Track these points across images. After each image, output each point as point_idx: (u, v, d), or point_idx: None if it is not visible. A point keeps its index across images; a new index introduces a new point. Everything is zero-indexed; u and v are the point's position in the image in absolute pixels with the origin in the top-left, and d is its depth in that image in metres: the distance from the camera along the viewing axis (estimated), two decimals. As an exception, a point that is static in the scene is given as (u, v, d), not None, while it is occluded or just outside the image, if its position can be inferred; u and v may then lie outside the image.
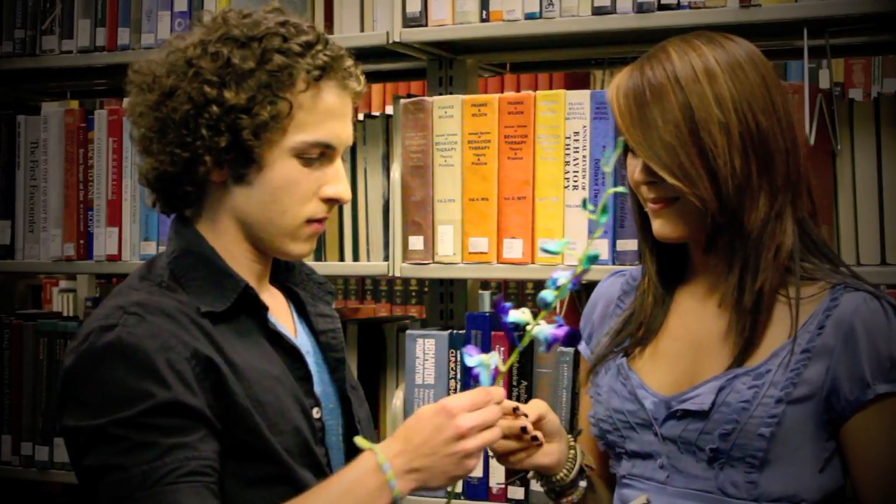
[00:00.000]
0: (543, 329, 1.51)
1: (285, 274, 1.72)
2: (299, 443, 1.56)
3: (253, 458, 1.51)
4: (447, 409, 1.46)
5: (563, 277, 1.50)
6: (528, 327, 1.51)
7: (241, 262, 1.60)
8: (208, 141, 1.53)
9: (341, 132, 1.59)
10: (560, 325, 1.51)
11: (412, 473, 1.45)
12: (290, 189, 1.56)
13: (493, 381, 1.51)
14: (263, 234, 1.59)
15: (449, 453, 1.45)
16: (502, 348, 2.35)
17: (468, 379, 2.36)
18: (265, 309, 1.61)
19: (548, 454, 1.67)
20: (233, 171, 1.56)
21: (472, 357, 1.52)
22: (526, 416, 1.63)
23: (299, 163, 1.56)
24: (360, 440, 1.51)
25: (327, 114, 1.57)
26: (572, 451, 1.72)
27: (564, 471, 1.70)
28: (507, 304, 1.52)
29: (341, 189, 1.60)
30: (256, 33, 1.55)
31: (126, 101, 1.62)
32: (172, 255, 1.59)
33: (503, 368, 1.52)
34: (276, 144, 1.55)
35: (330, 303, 1.76)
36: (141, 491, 1.42)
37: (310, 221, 1.59)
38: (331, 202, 1.60)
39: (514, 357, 1.57)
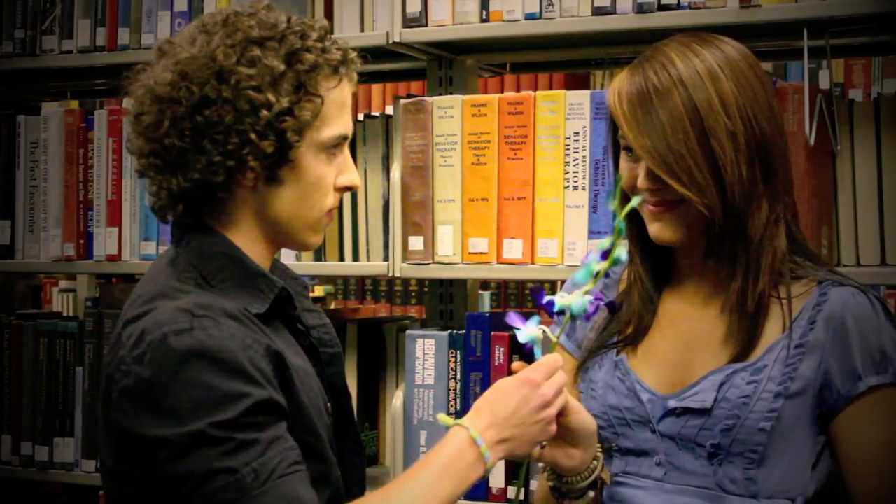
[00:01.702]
0: (581, 302, 1.56)
1: None
2: (329, 438, 1.60)
3: (308, 456, 1.52)
4: (532, 380, 1.53)
5: (595, 262, 1.56)
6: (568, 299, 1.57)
7: (258, 260, 1.60)
8: (257, 146, 1.52)
9: (350, 122, 1.63)
10: (593, 302, 1.57)
11: (501, 444, 1.52)
12: (319, 184, 1.59)
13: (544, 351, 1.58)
14: (288, 229, 1.60)
15: (536, 421, 1.53)
16: (502, 348, 2.35)
17: (468, 379, 2.37)
18: (295, 308, 1.63)
19: (570, 457, 1.62)
20: (267, 173, 1.55)
21: (523, 332, 1.58)
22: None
23: (326, 157, 1.59)
24: (444, 417, 1.57)
25: (344, 106, 1.60)
26: (595, 462, 1.66)
27: (578, 477, 1.65)
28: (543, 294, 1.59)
29: (354, 177, 1.63)
30: (276, 34, 1.56)
31: (133, 115, 1.59)
32: (198, 256, 1.57)
33: (555, 339, 1.59)
34: (310, 141, 1.56)
35: (308, 297, 1.77)
36: (255, 489, 1.41)
37: (328, 212, 1.62)
38: (344, 191, 1.63)
39: (566, 322, 1.59)
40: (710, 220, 1.62)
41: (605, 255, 1.57)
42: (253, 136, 1.52)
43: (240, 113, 1.52)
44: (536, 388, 1.53)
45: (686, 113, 1.61)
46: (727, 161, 1.60)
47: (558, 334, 1.58)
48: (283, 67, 1.54)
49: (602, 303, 1.58)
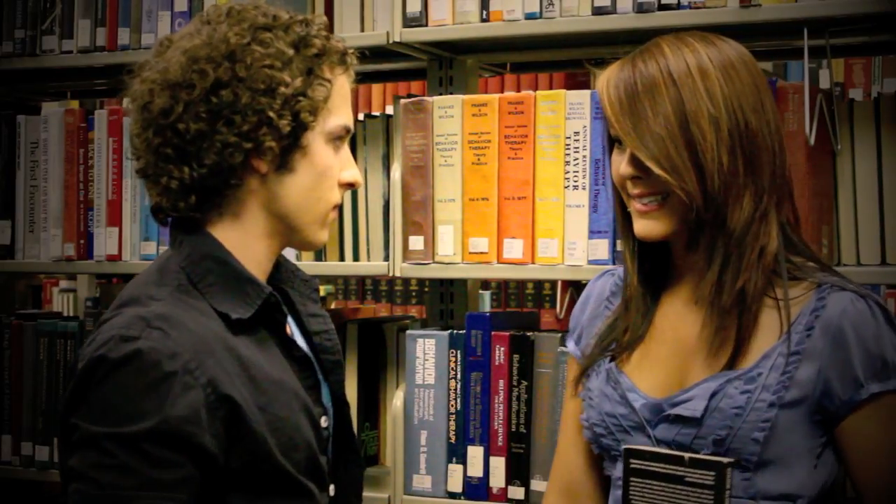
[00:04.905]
0: None
1: (272, 271, 1.67)
2: (309, 456, 1.56)
3: (261, 475, 1.50)
4: None
5: None
6: None
7: (257, 260, 1.58)
8: (274, 126, 1.51)
9: (352, 116, 1.62)
10: None
11: None
12: (327, 174, 1.58)
13: None
14: (296, 223, 1.58)
15: None
16: (502, 348, 2.35)
17: (469, 378, 2.37)
18: (285, 317, 1.61)
19: None
20: (280, 159, 1.55)
21: None
22: None
23: (332, 147, 1.58)
24: None
25: (346, 97, 1.60)
26: None
27: None
28: None
29: (356, 173, 1.62)
30: (280, 23, 1.56)
31: (141, 104, 1.56)
32: (188, 259, 1.55)
33: None
34: (318, 129, 1.56)
35: (317, 301, 1.74)
36: None
37: (334, 207, 1.61)
38: (347, 187, 1.62)
39: None
40: (689, 208, 1.62)
41: None
42: (271, 114, 1.51)
43: (255, 92, 1.51)
44: None
45: (669, 100, 1.61)
46: (707, 147, 1.60)
47: None
48: (291, 52, 1.54)
49: None
